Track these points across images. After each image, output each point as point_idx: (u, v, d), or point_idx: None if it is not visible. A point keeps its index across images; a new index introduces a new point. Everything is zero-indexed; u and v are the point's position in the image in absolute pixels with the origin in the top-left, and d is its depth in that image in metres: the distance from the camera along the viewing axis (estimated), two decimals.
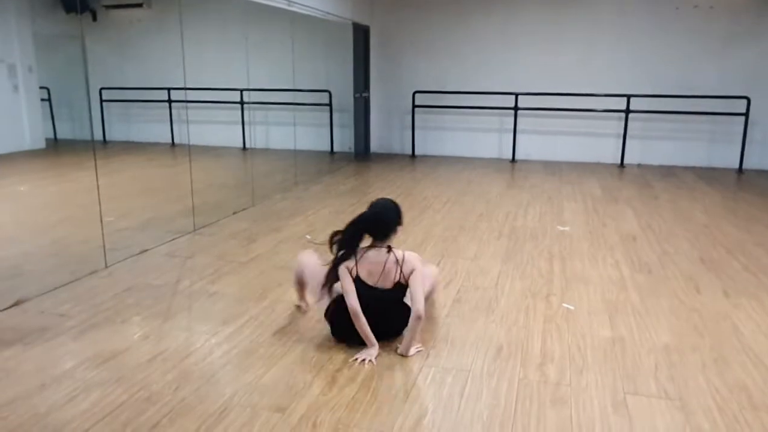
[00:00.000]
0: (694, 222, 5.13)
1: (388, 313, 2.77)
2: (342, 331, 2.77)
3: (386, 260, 2.72)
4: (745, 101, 7.54)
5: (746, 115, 7.56)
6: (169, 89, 6.93)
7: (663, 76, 7.94)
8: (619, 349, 2.76)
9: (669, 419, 2.22)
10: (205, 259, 4.03)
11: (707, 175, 7.47)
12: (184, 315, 3.12)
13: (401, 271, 2.71)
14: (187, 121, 5.58)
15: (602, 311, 3.21)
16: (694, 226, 5.00)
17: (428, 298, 2.97)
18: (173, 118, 7.25)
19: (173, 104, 7.11)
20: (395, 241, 2.83)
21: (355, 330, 2.67)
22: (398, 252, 2.75)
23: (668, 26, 7.86)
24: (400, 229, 2.83)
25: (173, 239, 4.48)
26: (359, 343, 2.70)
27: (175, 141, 7.38)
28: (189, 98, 6.39)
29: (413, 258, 2.75)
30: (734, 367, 2.60)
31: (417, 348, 2.71)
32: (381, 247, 2.76)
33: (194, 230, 4.73)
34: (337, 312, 2.76)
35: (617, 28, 8.02)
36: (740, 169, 7.72)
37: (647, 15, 7.90)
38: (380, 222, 2.78)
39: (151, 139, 7.74)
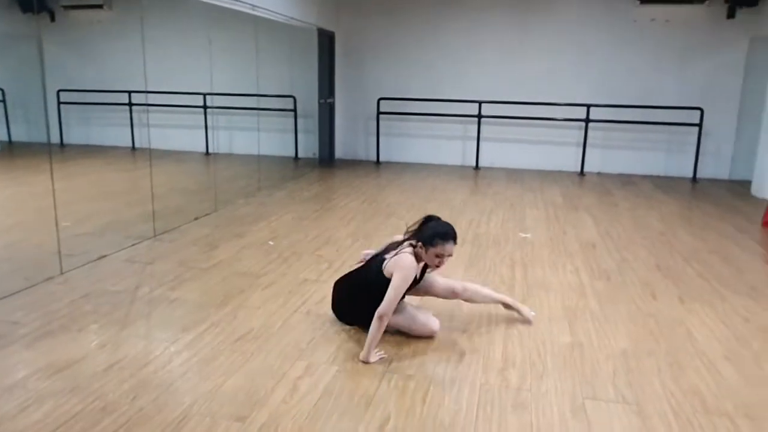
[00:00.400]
0: (651, 230, 5.27)
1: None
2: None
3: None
4: (698, 112, 7.80)
5: (700, 125, 7.82)
6: (129, 92, 6.79)
7: (622, 87, 8.15)
8: (578, 355, 2.81)
9: (626, 424, 2.26)
10: (166, 265, 3.96)
11: (664, 183, 7.70)
12: (143, 322, 3.05)
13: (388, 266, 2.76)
14: (148, 125, 5.48)
15: (562, 317, 3.26)
16: (652, 233, 5.14)
17: (413, 329, 2.95)
18: (134, 121, 7.10)
19: (134, 107, 6.96)
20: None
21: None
22: (402, 252, 2.75)
23: (627, 39, 8.09)
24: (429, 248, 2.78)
25: (133, 245, 4.38)
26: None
27: (136, 145, 7.22)
28: (150, 102, 6.27)
29: (398, 265, 2.71)
30: (688, 371, 2.68)
31: (379, 354, 2.71)
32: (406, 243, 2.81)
33: (155, 236, 4.64)
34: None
35: (578, 39, 8.21)
36: (695, 178, 7.98)
37: (607, 27, 8.11)
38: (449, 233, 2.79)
39: (111, 143, 7.55)
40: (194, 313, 3.16)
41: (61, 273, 3.70)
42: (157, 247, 4.38)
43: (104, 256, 4.07)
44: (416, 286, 2.94)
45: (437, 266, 2.80)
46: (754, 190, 6.99)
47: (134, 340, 2.82)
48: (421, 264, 2.85)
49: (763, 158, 6.83)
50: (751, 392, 2.50)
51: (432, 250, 2.74)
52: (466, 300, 3.17)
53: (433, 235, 2.75)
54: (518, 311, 3.19)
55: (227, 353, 2.71)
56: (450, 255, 2.77)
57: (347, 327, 3.03)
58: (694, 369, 2.70)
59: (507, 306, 3.21)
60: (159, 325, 3.03)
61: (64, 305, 3.22)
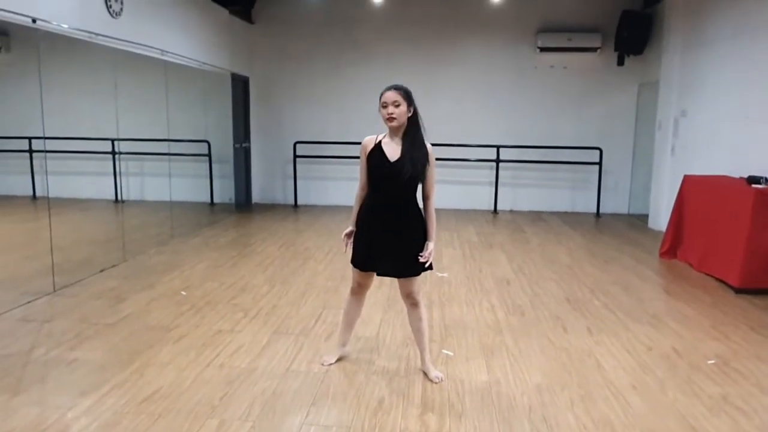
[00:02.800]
0: (560, 264, 5.49)
1: None
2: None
3: None
4: (598, 152, 8.33)
5: (600, 164, 8.34)
6: (30, 138, 6.42)
7: (528, 129, 8.59)
8: (495, 393, 2.84)
9: None
10: (65, 322, 3.69)
11: (571, 219, 8.09)
12: (37, 387, 2.81)
13: None
14: (46, 172, 5.18)
15: (479, 356, 3.30)
16: (560, 267, 5.35)
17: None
18: (35, 169, 6.70)
19: (35, 154, 6.58)
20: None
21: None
22: None
23: (530, 84, 8.57)
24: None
25: (29, 302, 4.08)
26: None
27: (37, 194, 6.80)
28: (52, 148, 5.95)
29: None
30: (599, 402, 2.77)
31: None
32: None
33: (54, 291, 4.34)
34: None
35: (485, 84, 8.62)
36: (598, 213, 8.45)
37: (511, 74, 8.57)
38: None
39: (9, 192, 7.08)
40: (96, 374, 2.94)
41: None
42: (56, 303, 4.09)
43: None
44: (393, 170, 2.81)
45: (388, 117, 2.77)
46: (651, 222, 7.48)
47: (26, 409, 2.58)
48: (381, 136, 2.88)
49: (656, 193, 7.34)
50: (656, 420, 2.61)
51: (380, 108, 2.80)
52: (409, 314, 3.02)
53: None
54: (426, 372, 3.02)
55: (131, 417, 2.54)
56: (393, 102, 2.75)
57: (264, 377, 2.92)
58: (603, 399, 2.79)
59: (422, 360, 3.07)
60: (55, 390, 2.80)
61: None
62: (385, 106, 2.78)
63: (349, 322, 3.19)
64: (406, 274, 2.87)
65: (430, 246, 2.84)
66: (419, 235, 2.86)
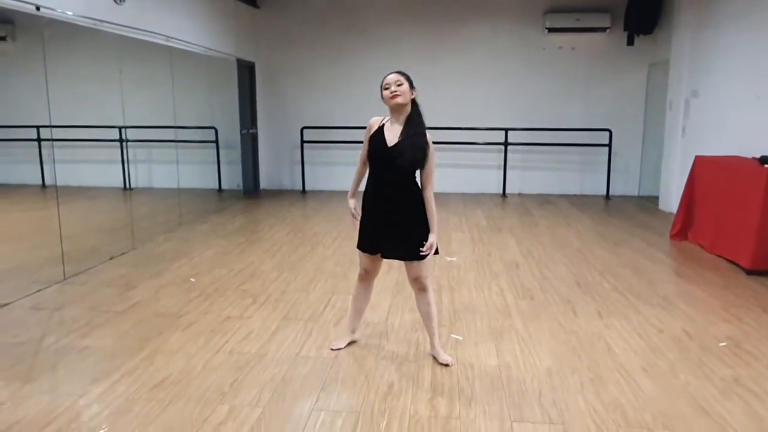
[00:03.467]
0: (570, 247, 5.46)
1: None
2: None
3: None
4: (607, 133, 8.24)
5: (609, 146, 8.26)
6: (38, 127, 6.43)
7: (536, 111, 8.50)
8: (505, 377, 2.84)
9: None
10: (76, 310, 3.71)
11: (580, 201, 8.03)
12: (48, 375, 2.83)
13: None
14: (53, 161, 5.19)
15: (489, 340, 3.29)
16: (570, 251, 5.32)
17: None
18: (43, 158, 6.72)
19: (43, 143, 6.59)
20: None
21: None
22: None
23: (538, 65, 8.47)
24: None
25: (39, 290, 4.10)
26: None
27: (46, 182, 6.82)
28: (61, 136, 5.96)
29: None
30: (609, 386, 2.75)
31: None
32: None
33: (64, 279, 4.36)
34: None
35: (492, 66, 8.53)
36: (608, 196, 8.38)
37: (518, 56, 8.47)
38: None
39: (19, 181, 7.11)
40: (106, 362, 2.96)
41: None
42: (66, 292, 4.12)
43: (6, 304, 3.78)
44: (395, 152, 2.77)
45: (391, 97, 2.76)
46: (661, 204, 7.41)
47: (38, 397, 2.60)
48: (385, 119, 2.87)
49: (667, 175, 7.27)
50: (668, 402, 2.59)
51: (382, 91, 2.79)
52: (417, 299, 3.01)
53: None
54: (435, 356, 3.02)
55: (142, 403, 2.55)
56: (396, 81, 2.75)
57: (274, 362, 2.93)
58: (614, 383, 2.78)
59: (431, 345, 3.06)
60: (66, 377, 2.82)
61: None
62: (387, 87, 2.77)
63: (358, 308, 3.19)
64: (413, 257, 2.86)
65: (431, 238, 2.82)
66: (422, 217, 2.84)
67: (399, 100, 2.75)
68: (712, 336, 3.35)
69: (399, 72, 2.80)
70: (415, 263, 2.89)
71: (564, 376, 2.85)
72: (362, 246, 2.98)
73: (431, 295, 2.98)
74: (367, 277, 3.08)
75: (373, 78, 8.57)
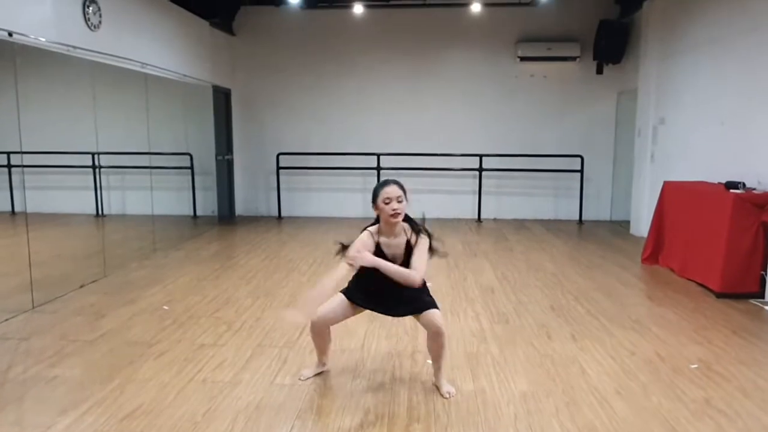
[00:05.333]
0: (544, 271, 5.52)
1: None
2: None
3: None
4: (579, 159, 8.41)
5: (581, 171, 8.42)
6: (8, 153, 6.34)
7: (510, 137, 8.65)
8: (480, 402, 2.84)
9: None
10: (44, 340, 3.62)
11: (554, 226, 8.14)
12: (14, 407, 2.74)
13: None
14: (24, 188, 5.10)
15: (464, 365, 3.29)
16: (544, 275, 5.38)
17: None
18: (13, 184, 6.60)
19: (13, 169, 6.48)
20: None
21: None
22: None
23: (511, 93, 8.65)
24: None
25: (6, 319, 4.00)
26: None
27: (16, 209, 6.70)
28: (32, 163, 5.87)
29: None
30: (583, 409, 2.77)
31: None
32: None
33: (33, 308, 4.26)
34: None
35: (467, 93, 8.68)
36: (581, 220, 8.51)
37: (492, 84, 8.65)
38: None
39: None
40: (75, 392, 2.89)
41: None
42: (35, 320, 4.02)
43: None
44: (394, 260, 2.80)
45: (393, 213, 2.71)
46: (632, 229, 7.55)
47: (4, 429, 2.53)
48: (375, 235, 2.83)
49: (637, 200, 7.42)
50: (641, 425, 2.62)
51: (380, 204, 2.73)
52: (430, 338, 2.89)
53: (374, 192, 2.78)
54: (438, 387, 2.98)
55: None
56: (398, 197, 2.71)
57: (248, 390, 2.89)
58: (588, 405, 2.80)
59: (436, 377, 3.01)
60: (33, 408, 2.74)
61: None
62: (388, 201, 2.72)
63: (322, 348, 3.10)
64: (424, 307, 2.80)
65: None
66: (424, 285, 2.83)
67: (399, 219, 2.74)
68: (684, 358, 3.40)
69: (397, 183, 2.76)
70: (429, 312, 2.80)
71: (539, 399, 2.86)
72: (353, 296, 2.90)
73: (445, 337, 2.87)
74: (327, 324, 2.97)
75: (349, 104, 8.75)
